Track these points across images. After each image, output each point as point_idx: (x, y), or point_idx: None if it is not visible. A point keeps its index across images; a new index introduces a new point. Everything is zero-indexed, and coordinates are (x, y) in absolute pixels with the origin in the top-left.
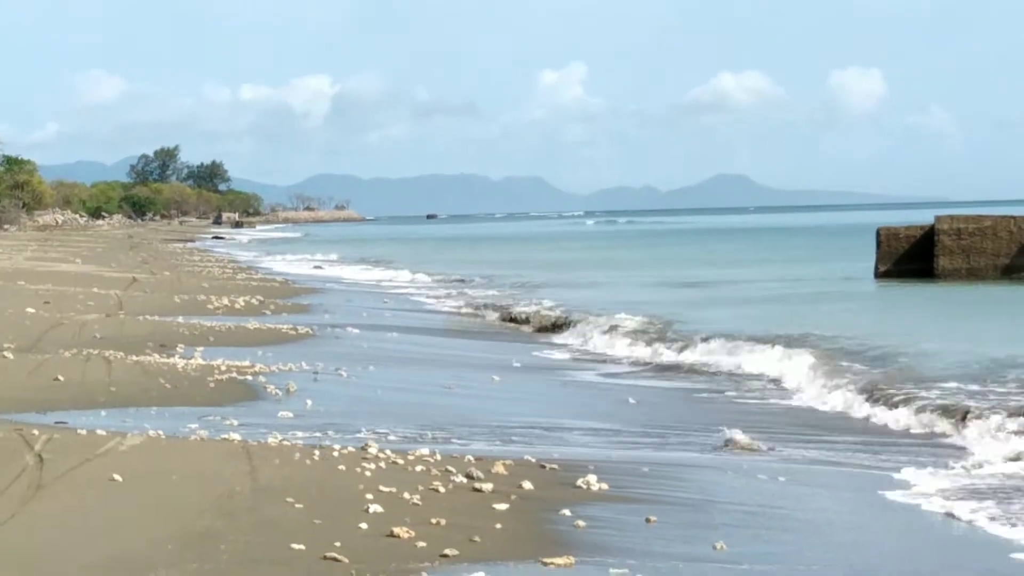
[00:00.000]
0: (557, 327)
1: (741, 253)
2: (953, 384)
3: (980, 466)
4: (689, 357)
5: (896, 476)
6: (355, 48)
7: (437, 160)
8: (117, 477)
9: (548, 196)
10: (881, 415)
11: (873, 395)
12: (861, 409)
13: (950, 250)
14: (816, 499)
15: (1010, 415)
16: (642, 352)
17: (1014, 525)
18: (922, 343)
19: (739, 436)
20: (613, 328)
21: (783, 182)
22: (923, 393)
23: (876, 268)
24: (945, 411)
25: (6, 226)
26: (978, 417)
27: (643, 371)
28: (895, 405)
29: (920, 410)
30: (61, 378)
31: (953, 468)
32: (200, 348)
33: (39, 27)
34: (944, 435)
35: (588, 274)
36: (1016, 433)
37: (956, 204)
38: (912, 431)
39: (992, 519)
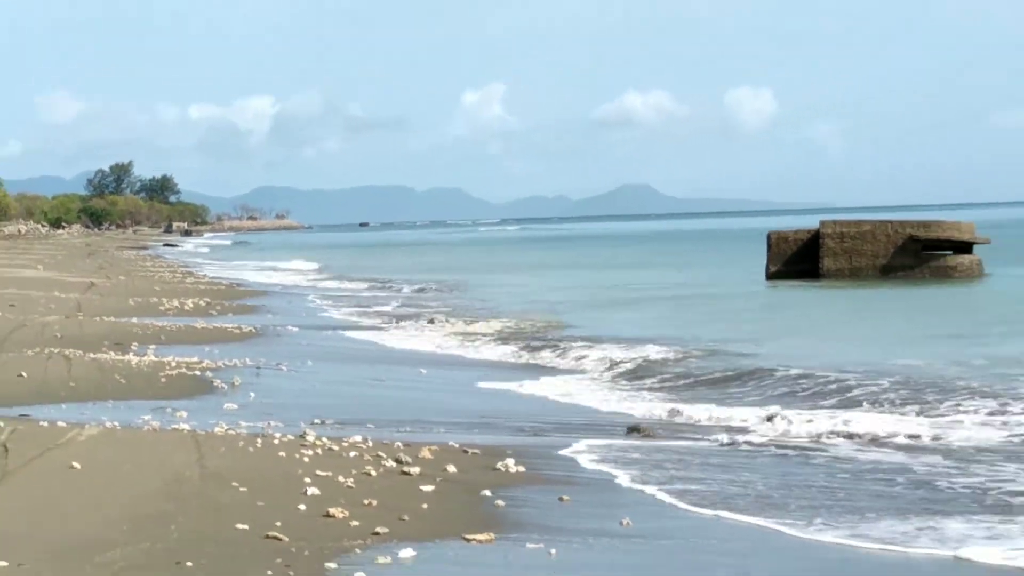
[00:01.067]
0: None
1: (640, 257)
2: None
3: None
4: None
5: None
6: (294, 69)
7: (369, 172)
8: (76, 465)
9: (468, 205)
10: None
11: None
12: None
13: (834, 252)
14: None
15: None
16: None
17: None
18: (765, 344)
19: (641, 424)
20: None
21: (684, 191)
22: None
23: (767, 269)
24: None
25: None
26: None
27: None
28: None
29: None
30: (24, 374)
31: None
32: (152, 346)
33: (3, 45)
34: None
35: (484, 277)
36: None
37: (839, 210)
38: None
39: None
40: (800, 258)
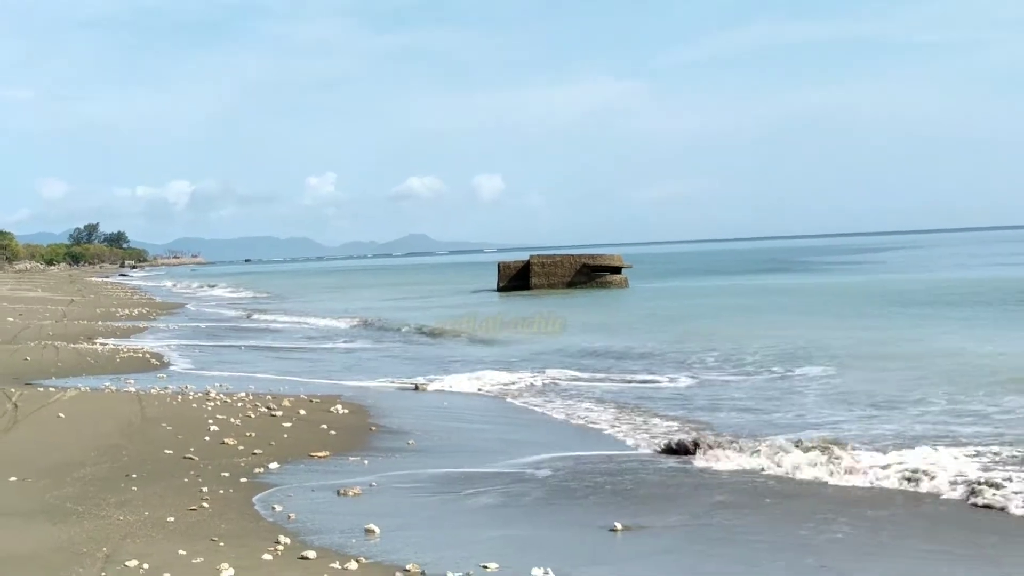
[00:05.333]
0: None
1: (419, 277)
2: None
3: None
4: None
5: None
6: (202, 162)
7: (250, 227)
8: (62, 415)
9: (313, 247)
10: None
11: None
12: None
13: (538, 273)
14: (467, 412)
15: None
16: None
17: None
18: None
19: (420, 381)
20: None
21: (448, 237)
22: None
23: (498, 285)
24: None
25: None
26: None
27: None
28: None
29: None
30: (28, 358)
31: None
32: (112, 339)
33: (15, 148)
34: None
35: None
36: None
37: (542, 247)
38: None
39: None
40: (518, 278)
